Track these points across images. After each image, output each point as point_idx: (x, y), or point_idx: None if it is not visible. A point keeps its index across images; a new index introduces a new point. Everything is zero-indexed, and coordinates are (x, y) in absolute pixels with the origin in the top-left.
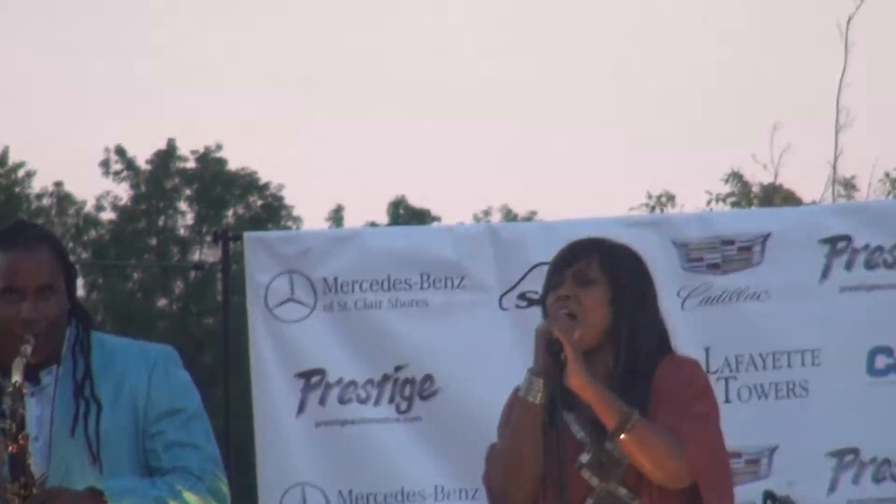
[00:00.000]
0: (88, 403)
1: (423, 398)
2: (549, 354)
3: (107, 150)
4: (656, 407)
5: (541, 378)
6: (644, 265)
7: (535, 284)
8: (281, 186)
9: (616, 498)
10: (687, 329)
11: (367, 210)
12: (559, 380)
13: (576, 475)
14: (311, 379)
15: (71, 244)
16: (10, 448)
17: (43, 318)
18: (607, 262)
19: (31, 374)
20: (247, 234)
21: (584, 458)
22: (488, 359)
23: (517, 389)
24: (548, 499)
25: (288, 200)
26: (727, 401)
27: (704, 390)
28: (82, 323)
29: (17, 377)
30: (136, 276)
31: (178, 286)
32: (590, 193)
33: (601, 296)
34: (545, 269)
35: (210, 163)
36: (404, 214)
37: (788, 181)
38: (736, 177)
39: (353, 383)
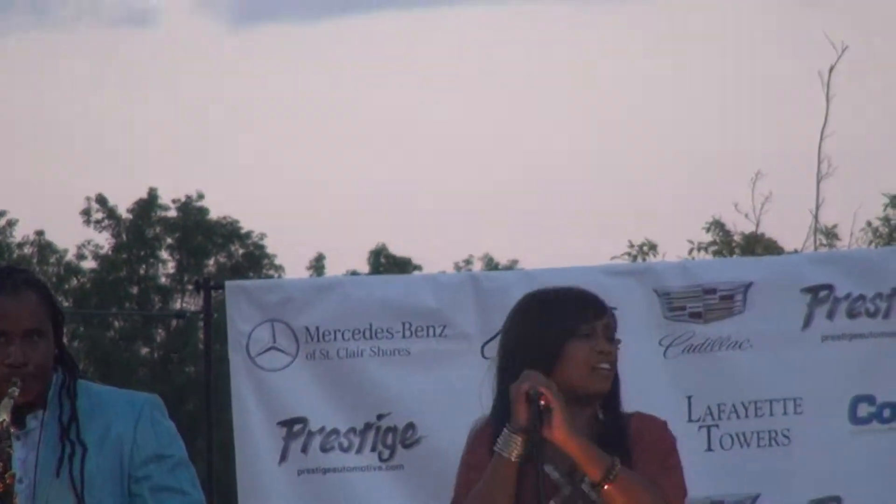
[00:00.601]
0: (74, 446)
1: (406, 446)
2: (531, 408)
3: (88, 198)
4: (637, 458)
5: (518, 435)
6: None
7: None
8: (262, 235)
9: None
10: (669, 378)
11: (348, 259)
12: (540, 432)
13: None
14: (293, 427)
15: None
16: None
17: (30, 363)
18: (614, 320)
19: (17, 418)
20: (228, 283)
21: (558, 499)
22: (469, 407)
23: (475, 430)
24: None
25: (269, 249)
26: (709, 449)
27: (674, 446)
28: (69, 369)
29: (3, 417)
30: (117, 324)
31: (160, 334)
32: (572, 242)
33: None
34: None
35: (191, 212)
36: (385, 263)
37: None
38: (717, 225)
39: (335, 431)
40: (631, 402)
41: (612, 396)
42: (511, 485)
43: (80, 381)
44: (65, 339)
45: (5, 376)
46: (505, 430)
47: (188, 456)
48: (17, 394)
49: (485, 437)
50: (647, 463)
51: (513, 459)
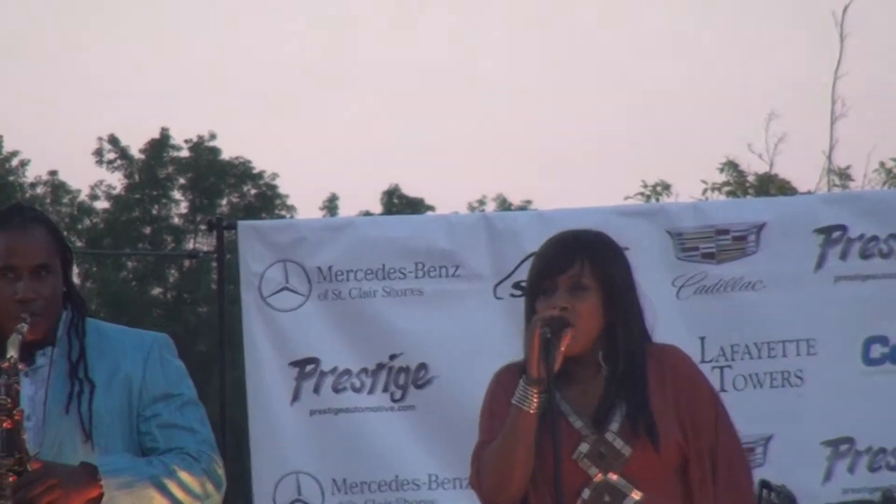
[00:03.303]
0: (82, 383)
1: (418, 387)
2: (541, 356)
3: (100, 139)
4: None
5: (535, 388)
6: (623, 254)
7: None
8: (275, 175)
9: (614, 488)
10: (682, 318)
11: (361, 199)
12: (555, 377)
13: (572, 465)
14: (305, 367)
15: (66, 233)
16: (5, 424)
17: (39, 298)
18: (598, 266)
19: (26, 354)
20: (241, 223)
21: (584, 447)
22: (482, 347)
23: (498, 375)
24: (539, 492)
25: (282, 189)
26: (723, 390)
27: (714, 392)
28: (77, 307)
29: (12, 353)
30: (130, 264)
31: (173, 275)
32: (585, 183)
33: (595, 302)
34: None
35: (204, 152)
36: (398, 203)
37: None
38: (731, 166)
39: (347, 372)
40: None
41: (627, 342)
42: (530, 437)
43: (88, 319)
44: (74, 278)
45: (14, 312)
46: (521, 381)
47: (200, 396)
48: (25, 330)
49: (508, 384)
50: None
51: (531, 412)
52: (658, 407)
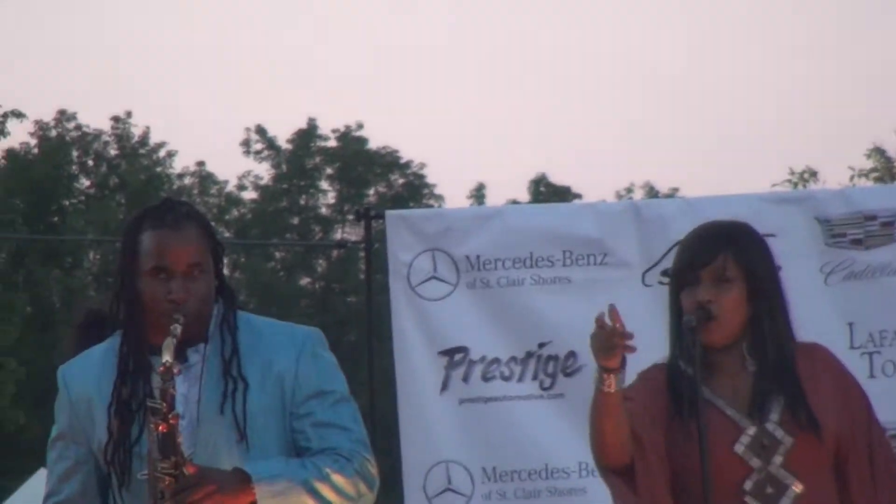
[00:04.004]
0: (236, 382)
1: (567, 375)
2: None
3: (247, 129)
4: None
5: (612, 374)
6: (767, 246)
7: None
8: (423, 165)
9: (776, 479)
10: (830, 305)
11: (508, 188)
12: (698, 366)
13: (733, 457)
14: (454, 356)
15: (213, 224)
16: (160, 427)
17: (192, 298)
18: (742, 257)
19: (179, 352)
20: (389, 213)
21: (745, 439)
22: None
23: (641, 376)
24: (694, 484)
25: (430, 179)
26: (871, 376)
27: (865, 394)
28: (228, 301)
29: (167, 357)
30: (278, 255)
31: (321, 265)
32: (732, 170)
33: (739, 294)
34: None
35: (351, 141)
36: (545, 192)
37: None
38: (878, 152)
39: (496, 360)
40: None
41: (773, 332)
42: (616, 412)
43: (240, 313)
44: (225, 271)
45: (167, 312)
46: (598, 367)
47: (349, 386)
48: (178, 332)
49: (651, 378)
50: (859, 447)
51: (611, 391)
52: (812, 399)
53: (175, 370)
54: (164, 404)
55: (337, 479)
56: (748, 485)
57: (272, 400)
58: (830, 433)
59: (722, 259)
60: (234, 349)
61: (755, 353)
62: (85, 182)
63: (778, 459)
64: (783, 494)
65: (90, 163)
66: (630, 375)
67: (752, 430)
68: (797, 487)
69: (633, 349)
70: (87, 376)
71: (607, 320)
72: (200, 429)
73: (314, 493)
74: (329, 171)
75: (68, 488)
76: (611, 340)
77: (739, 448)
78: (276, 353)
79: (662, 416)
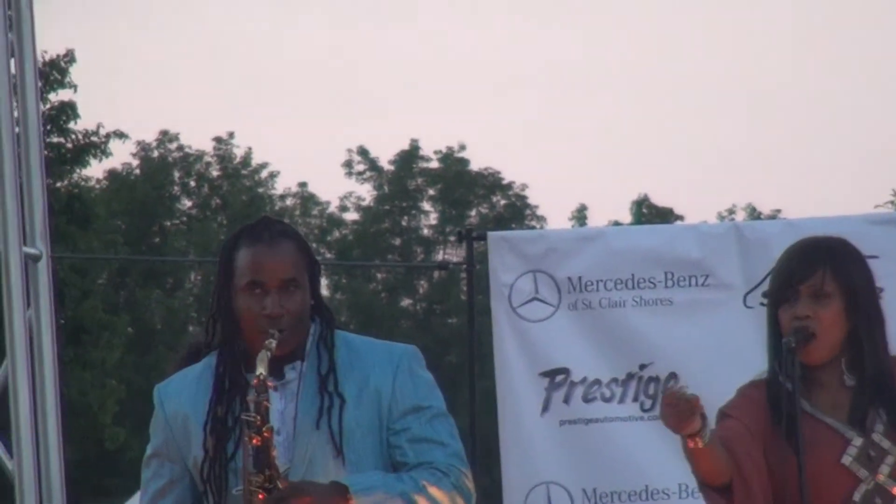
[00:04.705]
0: (332, 398)
1: None
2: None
3: (349, 150)
4: None
5: (696, 436)
6: (865, 261)
7: None
8: (524, 186)
9: (884, 490)
10: None
11: (610, 209)
12: (797, 386)
13: (841, 470)
14: (555, 377)
15: (315, 244)
16: (254, 440)
17: (287, 313)
18: (840, 272)
19: (275, 369)
20: (491, 234)
21: (852, 451)
22: (732, 357)
23: (741, 393)
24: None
25: (531, 200)
26: None
27: None
28: (326, 320)
29: (261, 370)
30: (380, 276)
31: (422, 286)
32: (836, 191)
33: (838, 309)
34: None
35: (453, 163)
36: (647, 213)
37: None
38: None
39: (597, 382)
40: (892, 349)
41: (873, 347)
42: (707, 461)
43: (337, 331)
44: (324, 290)
45: (263, 327)
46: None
47: (450, 407)
48: (273, 346)
49: (752, 397)
50: None
51: (701, 447)
52: None
53: (269, 383)
54: (258, 417)
55: (434, 491)
56: (857, 496)
57: (369, 416)
58: None
59: (820, 275)
60: (331, 366)
61: (854, 369)
62: (187, 203)
63: (885, 470)
64: None
65: (192, 183)
66: (727, 396)
67: (858, 442)
68: None
69: (702, 408)
70: (182, 394)
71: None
72: (297, 444)
73: None
74: (431, 192)
75: None
76: (685, 411)
77: (847, 459)
78: (373, 369)
79: (762, 432)
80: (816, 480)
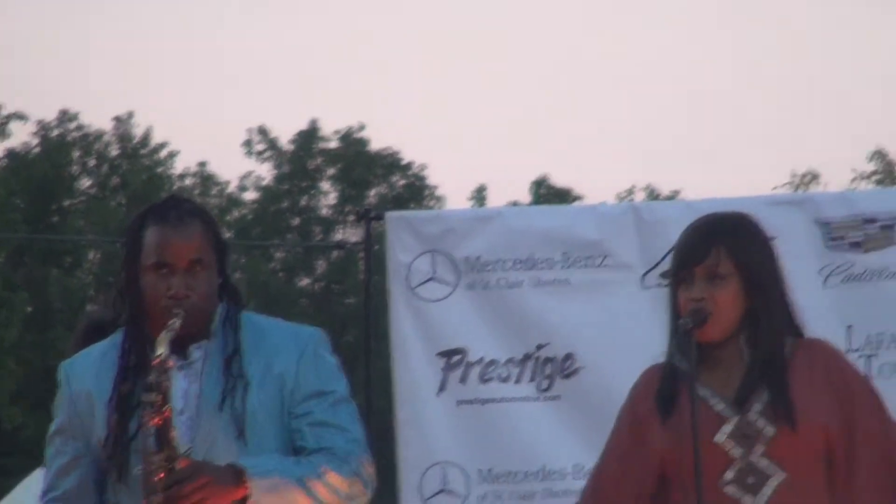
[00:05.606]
0: (236, 380)
1: (564, 377)
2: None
3: (249, 130)
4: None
5: None
6: (765, 236)
7: None
8: (423, 166)
9: (757, 469)
10: (828, 307)
11: (509, 189)
12: (693, 369)
13: (714, 448)
14: (452, 358)
15: None
16: (155, 420)
17: (192, 294)
18: (737, 252)
19: (181, 349)
20: (389, 214)
21: (727, 428)
22: (629, 337)
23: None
24: (681, 479)
25: (430, 180)
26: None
27: (869, 385)
28: (233, 300)
29: (162, 350)
30: (278, 255)
31: (321, 266)
32: (733, 173)
33: (734, 290)
34: None
35: (353, 143)
36: (546, 194)
37: None
38: (879, 155)
39: (494, 362)
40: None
41: (768, 327)
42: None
43: (244, 312)
44: (228, 269)
45: (168, 308)
46: None
47: (349, 389)
48: (177, 325)
49: (647, 377)
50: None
51: None
52: (803, 392)
53: (170, 363)
54: (158, 397)
55: (332, 478)
56: (729, 474)
57: (272, 399)
58: (815, 425)
59: (715, 255)
60: (236, 347)
61: (751, 347)
62: (86, 182)
63: (760, 449)
64: (765, 484)
65: (91, 163)
66: (633, 376)
67: (734, 421)
68: (779, 477)
69: None
70: (87, 372)
71: None
72: (199, 424)
73: (308, 491)
74: (330, 172)
75: (66, 483)
76: None
77: (720, 438)
78: (278, 352)
79: (651, 415)
80: (696, 458)
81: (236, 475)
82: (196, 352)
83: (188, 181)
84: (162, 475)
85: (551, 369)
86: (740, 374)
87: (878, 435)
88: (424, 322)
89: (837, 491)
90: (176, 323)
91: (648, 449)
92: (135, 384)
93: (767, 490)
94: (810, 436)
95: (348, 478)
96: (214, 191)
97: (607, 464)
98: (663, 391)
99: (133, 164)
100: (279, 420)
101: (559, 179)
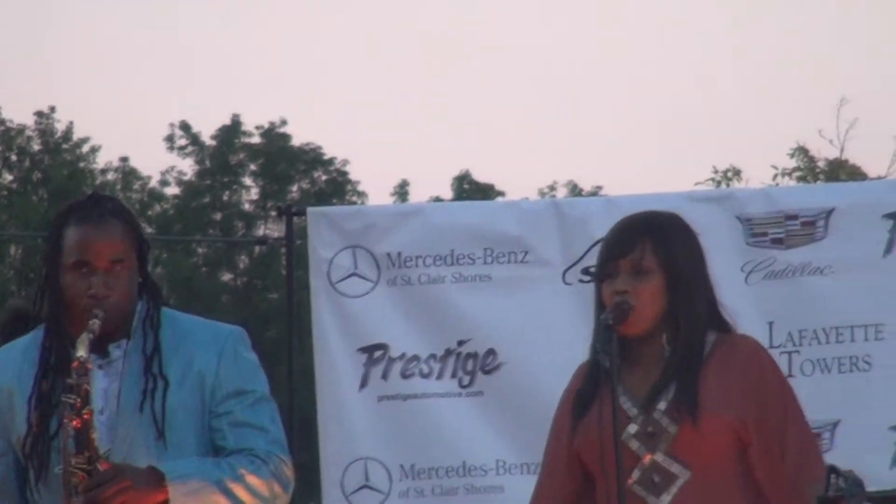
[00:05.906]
0: (156, 380)
1: (486, 372)
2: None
3: (171, 125)
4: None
5: None
6: (693, 236)
7: None
8: (346, 162)
9: (662, 469)
10: (750, 303)
11: (431, 185)
12: (615, 360)
13: (623, 446)
14: (373, 353)
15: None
16: (74, 423)
17: (113, 294)
18: (661, 248)
19: (100, 347)
20: (310, 210)
21: (632, 428)
22: (551, 333)
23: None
24: (601, 480)
25: (353, 176)
26: (790, 375)
27: (784, 380)
28: (153, 298)
29: (82, 352)
30: (200, 250)
31: (243, 261)
32: (655, 169)
33: (657, 285)
34: None
35: (275, 138)
36: (469, 189)
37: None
38: (802, 151)
39: (415, 358)
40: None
41: (689, 324)
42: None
43: (164, 310)
44: (149, 268)
45: (88, 307)
46: None
47: (269, 382)
48: (96, 327)
49: (577, 373)
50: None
51: None
52: (713, 389)
53: (89, 365)
54: (78, 400)
55: (251, 479)
56: (635, 474)
57: (192, 398)
58: (721, 422)
59: (640, 250)
60: (156, 346)
61: (672, 344)
62: (7, 177)
63: (664, 448)
64: (671, 483)
65: (13, 158)
66: (564, 374)
67: (639, 419)
68: (684, 476)
69: None
70: (8, 368)
71: None
72: (119, 425)
73: (227, 493)
74: (252, 167)
75: None
76: None
77: (627, 437)
78: (197, 351)
79: (569, 415)
80: (604, 457)
81: (157, 479)
82: (116, 351)
83: (110, 176)
84: (83, 477)
85: (473, 365)
86: (658, 372)
87: (803, 436)
88: (346, 317)
89: (763, 479)
90: (95, 324)
91: (567, 450)
92: (55, 383)
93: (673, 489)
94: (715, 432)
95: (267, 479)
96: (136, 185)
97: (541, 472)
98: (583, 390)
99: (55, 158)
100: (199, 418)
101: (481, 175)
